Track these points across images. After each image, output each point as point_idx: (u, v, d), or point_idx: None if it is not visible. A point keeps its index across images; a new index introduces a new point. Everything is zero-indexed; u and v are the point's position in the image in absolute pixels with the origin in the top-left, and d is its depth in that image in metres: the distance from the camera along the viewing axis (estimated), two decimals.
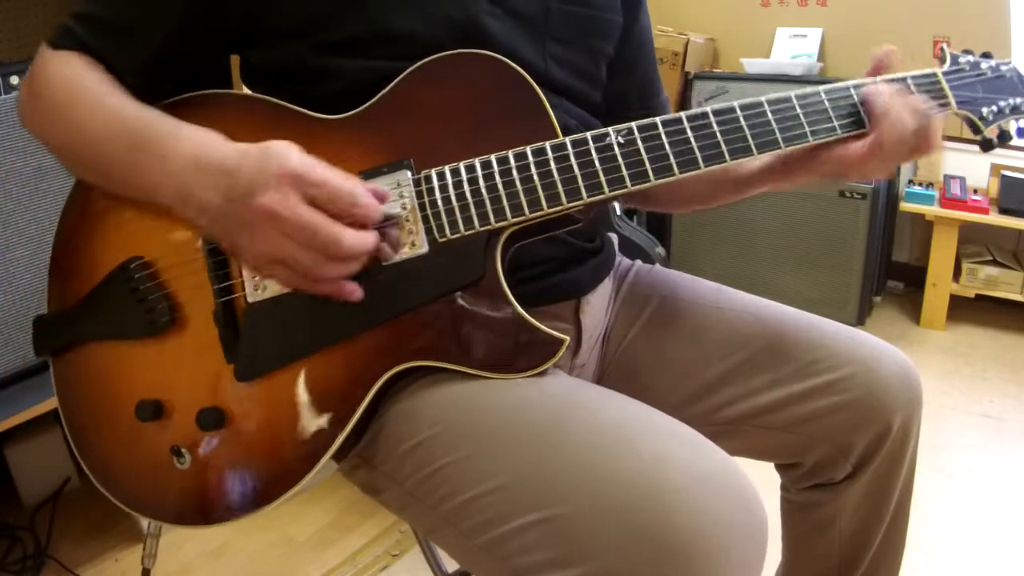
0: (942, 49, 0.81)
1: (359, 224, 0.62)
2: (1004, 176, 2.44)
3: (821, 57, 2.81)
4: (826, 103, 0.74)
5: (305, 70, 0.73)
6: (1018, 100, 0.80)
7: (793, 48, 2.84)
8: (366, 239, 0.62)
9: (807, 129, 0.73)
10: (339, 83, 0.73)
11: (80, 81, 0.71)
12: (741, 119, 0.72)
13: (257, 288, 0.70)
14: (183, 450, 0.70)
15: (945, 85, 0.78)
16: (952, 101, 0.78)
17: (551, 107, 0.70)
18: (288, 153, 0.61)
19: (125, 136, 0.68)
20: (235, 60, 0.81)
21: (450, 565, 1.10)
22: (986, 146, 0.81)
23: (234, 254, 0.65)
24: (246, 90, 0.79)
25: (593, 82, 0.85)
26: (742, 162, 0.73)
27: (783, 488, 0.93)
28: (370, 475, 0.74)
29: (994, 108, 0.79)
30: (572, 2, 0.80)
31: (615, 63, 0.89)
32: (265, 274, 0.64)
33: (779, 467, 0.91)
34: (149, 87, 0.74)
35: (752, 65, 2.76)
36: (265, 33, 0.74)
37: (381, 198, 0.65)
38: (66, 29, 0.73)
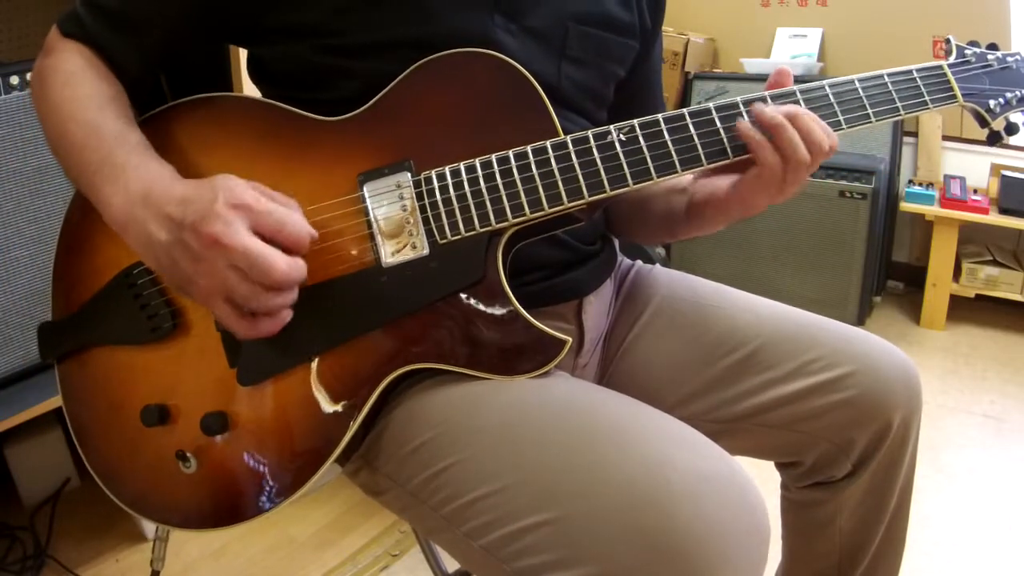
0: (948, 41, 0.80)
1: (297, 252, 0.63)
2: (1004, 176, 2.44)
3: (821, 57, 2.82)
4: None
5: (316, 69, 0.74)
6: None
7: (793, 48, 2.85)
8: (299, 266, 0.62)
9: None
10: (351, 84, 0.73)
11: (74, 86, 0.71)
12: (744, 116, 0.71)
13: None
14: (188, 455, 0.70)
15: (951, 77, 0.76)
16: (958, 94, 0.76)
17: (560, 120, 0.70)
18: (234, 183, 0.62)
19: (95, 156, 0.68)
20: (238, 59, 0.82)
21: (450, 565, 1.10)
22: (993, 139, 0.80)
23: (186, 290, 0.64)
24: (248, 87, 0.79)
25: (601, 102, 0.86)
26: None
27: (783, 487, 0.93)
28: (372, 477, 0.74)
29: (1001, 100, 0.78)
30: (590, 23, 0.80)
31: (623, 92, 0.89)
32: (213, 311, 0.63)
33: (779, 465, 0.91)
34: (154, 80, 0.74)
35: (752, 65, 2.76)
36: (280, 30, 0.74)
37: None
38: (75, 16, 0.74)
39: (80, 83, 0.71)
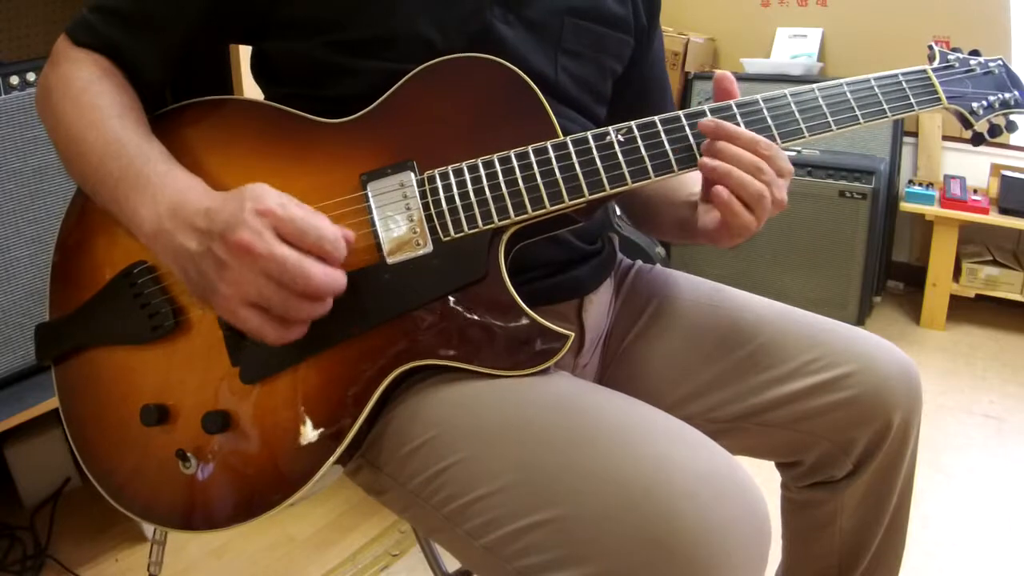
0: (930, 47, 0.83)
1: (329, 262, 0.62)
2: (1004, 176, 2.44)
3: (821, 57, 2.82)
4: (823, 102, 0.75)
5: (320, 67, 0.74)
6: (1006, 95, 0.82)
7: (793, 48, 2.85)
8: (336, 277, 0.62)
9: (802, 125, 0.74)
10: (354, 82, 0.73)
11: (90, 95, 0.71)
12: (738, 116, 0.72)
13: None
14: (189, 454, 0.70)
15: (935, 81, 0.79)
16: (943, 96, 0.79)
17: (558, 116, 0.71)
18: (263, 192, 0.62)
19: (117, 165, 0.68)
20: (238, 60, 0.82)
21: (450, 565, 1.10)
22: (977, 140, 0.83)
23: (208, 300, 0.64)
24: (248, 88, 0.79)
25: (599, 97, 0.86)
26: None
27: (783, 487, 0.93)
28: (373, 476, 0.74)
29: (984, 103, 0.81)
30: (585, 17, 0.81)
31: (624, 91, 0.90)
32: (240, 321, 0.62)
33: (779, 465, 0.91)
34: (171, 77, 0.75)
35: (752, 65, 2.76)
36: (284, 25, 0.74)
37: (347, 239, 0.64)
38: (86, 23, 0.74)
39: (97, 93, 0.71)
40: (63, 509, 1.60)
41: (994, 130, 0.82)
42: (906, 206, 2.54)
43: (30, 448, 1.58)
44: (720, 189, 0.69)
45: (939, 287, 2.54)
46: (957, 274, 2.57)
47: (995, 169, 2.52)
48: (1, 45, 1.60)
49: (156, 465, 0.71)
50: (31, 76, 1.26)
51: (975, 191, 2.52)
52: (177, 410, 0.71)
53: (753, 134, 0.70)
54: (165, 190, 0.66)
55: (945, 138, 2.65)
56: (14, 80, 1.25)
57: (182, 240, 0.63)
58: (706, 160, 0.70)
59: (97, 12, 0.74)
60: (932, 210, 2.48)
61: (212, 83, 0.79)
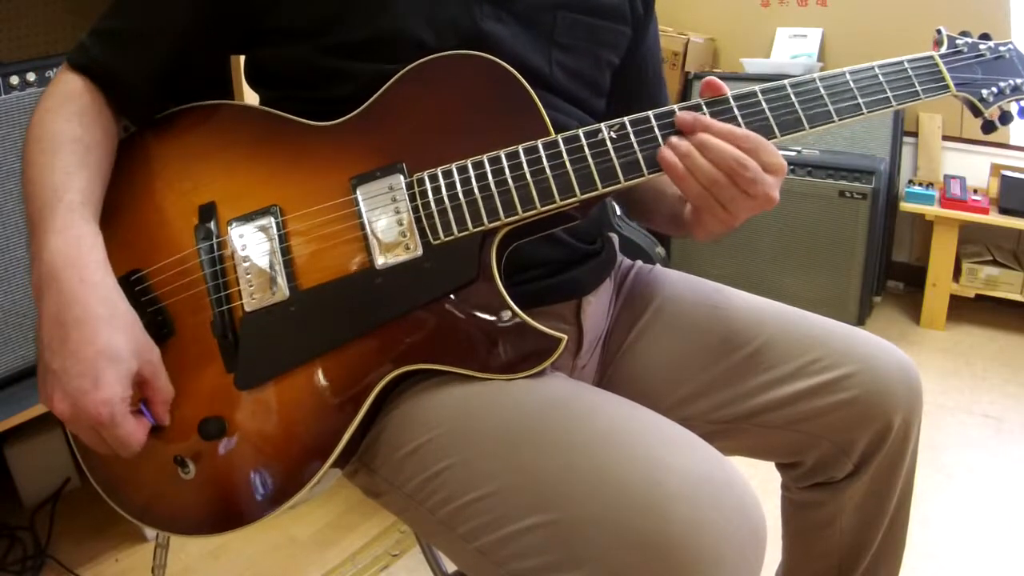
0: (938, 31, 0.79)
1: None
2: (1004, 176, 2.43)
3: (821, 57, 2.82)
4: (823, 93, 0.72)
5: (313, 71, 0.74)
6: (1018, 80, 0.78)
7: (793, 48, 2.84)
8: (135, 437, 0.65)
9: (802, 116, 0.71)
10: (350, 84, 0.73)
11: (55, 133, 0.71)
12: (735, 109, 0.70)
13: (254, 296, 0.70)
14: (187, 460, 0.70)
15: (943, 67, 0.76)
16: (951, 83, 0.76)
17: (554, 111, 0.70)
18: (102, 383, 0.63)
19: (41, 198, 0.69)
20: (238, 68, 0.82)
21: (450, 565, 1.10)
22: (988, 128, 0.79)
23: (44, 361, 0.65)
24: (248, 96, 0.79)
25: (597, 90, 0.85)
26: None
27: (784, 487, 0.93)
28: (370, 479, 0.74)
29: (994, 89, 0.77)
30: (579, 10, 0.80)
31: (621, 81, 0.89)
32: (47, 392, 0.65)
33: (780, 466, 0.91)
34: (166, 92, 0.75)
35: (752, 65, 2.76)
36: (274, 31, 0.74)
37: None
38: (80, 46, 0.75)
39: (51, 120, 0.72)
40: (63, 509, 1.60)
41: (1005, 117, 0.78)
42: (906, 206, 2.53)
43: (30, 448, 1.58)
44: (686, 180, 0.68)
45: (939, 287, 2.54)
46: (957, 274, 2.56)
47: (995, 169, 2.52)
48: (1, 45, 1.60)
49: (156, 471, 0.71)
50: (31, 76, 1.26)
51: (975, 191, 2.52)
52: (174, 416, 0.71)
53: (729, 126, 0.67)
54: (50, 252, 0.66)
55: (945, 138, 2.65)
56: (14, 80, 1.24)
57: (44, 305, 0.65)
58: (664, 153, 0.68)
59: (92, 35, 0.75)
60: (932, 210, 2.48)
61: (213, 89, 0.79)
